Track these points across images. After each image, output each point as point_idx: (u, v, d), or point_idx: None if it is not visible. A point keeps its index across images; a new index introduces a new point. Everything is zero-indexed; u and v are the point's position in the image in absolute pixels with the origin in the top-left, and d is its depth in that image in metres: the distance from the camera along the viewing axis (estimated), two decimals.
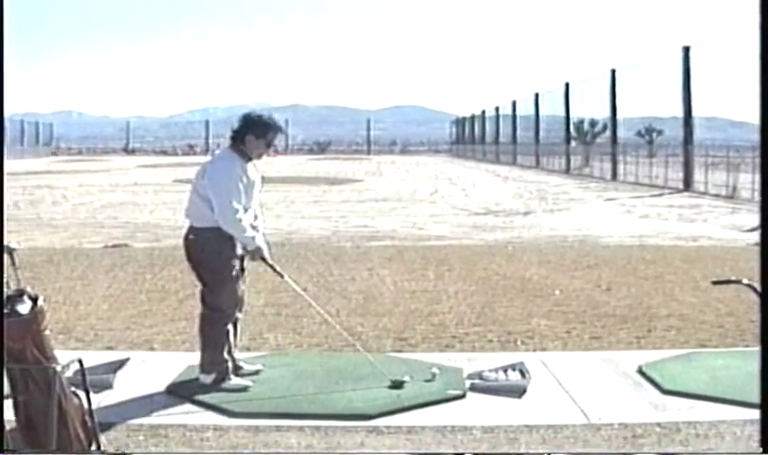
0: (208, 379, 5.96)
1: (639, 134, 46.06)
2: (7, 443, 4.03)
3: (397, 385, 5.94)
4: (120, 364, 6.39)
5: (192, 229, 6.03)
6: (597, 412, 5.49)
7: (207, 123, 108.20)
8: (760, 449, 3.56)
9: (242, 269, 6.11)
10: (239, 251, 6.01)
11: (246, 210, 5.90)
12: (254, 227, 6.02)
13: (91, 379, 4.58)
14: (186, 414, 5.48)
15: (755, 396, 4.03)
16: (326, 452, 4.87)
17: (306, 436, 5.07)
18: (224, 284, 5.96)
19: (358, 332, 7.02)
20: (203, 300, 6.07)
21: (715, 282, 6.03)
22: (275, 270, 6.23)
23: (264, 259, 6.10)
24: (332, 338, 7.46)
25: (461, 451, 4.84)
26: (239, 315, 6.19)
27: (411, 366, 6.38)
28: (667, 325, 8.07)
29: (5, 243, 4.97)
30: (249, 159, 6.05)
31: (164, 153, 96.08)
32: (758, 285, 4.38)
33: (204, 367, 6.01)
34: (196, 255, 6.00)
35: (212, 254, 5.91)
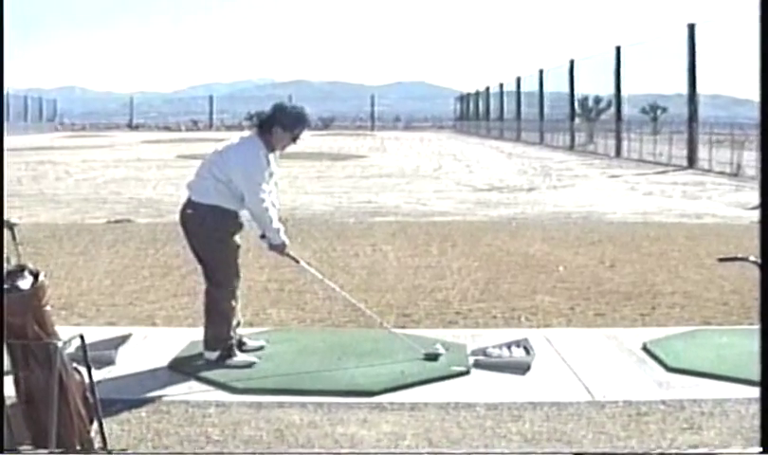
0: (213, 356, 5.94)
1: (643, 111, 45.87)
2: (8, 423, 4.01)
3: (432, 358, 6.01)
4: (122, 340, 6.37)
5: (190, 203, 5.98)
6: (602, 390, 5.47)
7: (210, 99, 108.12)
8: (760, 449, 3.52)
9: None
10: (237, 227, 5.99)
11: None
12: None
13: (93, 355, 4.56)
14: (188, 390, 5.47)
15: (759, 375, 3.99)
16: (329, 429, 4.85)
17: (309, 413, 5.05)
18: (224, 260, 5.94)
19: (362, 308, 6.98)
20: (207, 277, 6.03)
21: (721, 259, 6.02)
22: (296, 260, 6.26)
23: (287, 254, 6.11)
24: (335, 315, 7.45)
25: (464, 429, 4.82)
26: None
27: (415, 342, 6.36)
28: (671, 302, 8.05)
29: (6, 218, 4.95)
30: (273, 150, 6.01)
31: (168, 128, 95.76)
32: None
33: (208, 343, 5.98)
34: (194, 229, 5.96)
35: (210, 230, 5.89)
